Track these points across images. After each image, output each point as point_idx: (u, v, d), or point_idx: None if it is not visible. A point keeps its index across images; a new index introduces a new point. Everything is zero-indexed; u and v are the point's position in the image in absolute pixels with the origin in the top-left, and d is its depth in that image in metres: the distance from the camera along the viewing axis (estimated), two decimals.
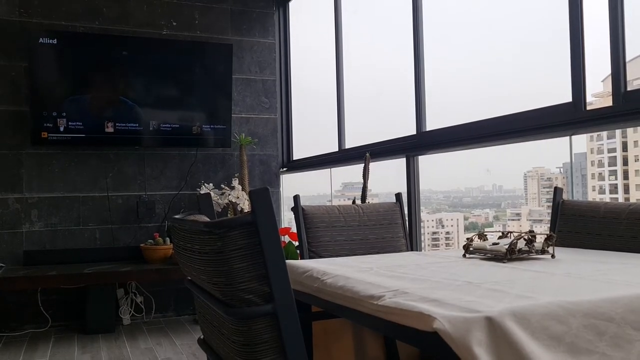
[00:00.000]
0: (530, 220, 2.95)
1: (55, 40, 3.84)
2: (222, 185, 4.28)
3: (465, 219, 3.42)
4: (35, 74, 3.83)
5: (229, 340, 1.12)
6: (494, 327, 0.92)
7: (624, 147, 2.49)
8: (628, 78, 2.06)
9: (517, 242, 1.63)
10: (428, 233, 3.44)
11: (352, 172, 4.03)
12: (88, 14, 4.13)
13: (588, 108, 2.19)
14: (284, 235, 4.02)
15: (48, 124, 3.83)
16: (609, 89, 2.10)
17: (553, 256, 1.64)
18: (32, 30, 3.87)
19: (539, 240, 1.68)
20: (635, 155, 2.43)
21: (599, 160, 2.54)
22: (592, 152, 2.59)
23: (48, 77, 3.87)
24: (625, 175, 2.46)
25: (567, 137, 2.43)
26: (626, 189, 2.45)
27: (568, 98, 2.25)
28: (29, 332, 3.84)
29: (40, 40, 3.81)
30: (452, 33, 3.21)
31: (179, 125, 4.17)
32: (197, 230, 1.09)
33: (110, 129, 3.99)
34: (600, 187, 2.55)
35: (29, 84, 3.86)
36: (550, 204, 2.18)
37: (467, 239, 1.80)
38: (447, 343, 0.92)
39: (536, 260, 1.60)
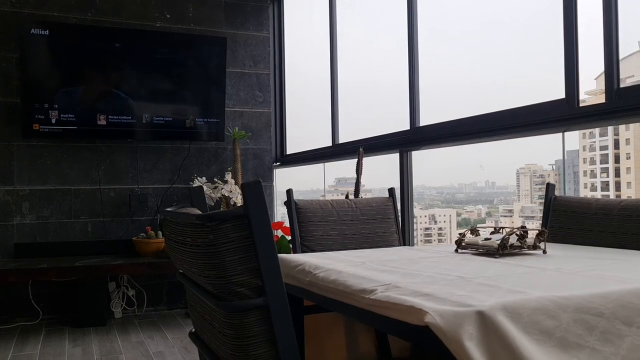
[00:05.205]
0: (522, 216, 2.96)
1: (47, 31, 3.81)
2: (215, 179, 4.27)
3: (458, 215, 3.43)
4: (27, 65, 3.79)
5: (220, 333, 1.12)
6: (485, 322, 0.92)
7: (616, 145, 2.50)
8: (621, 76, 2.07)
9: (509, 237, 1.64)
10: (421, 229, 3.45)
11: (345, 167, 4.03)
12: (81, 6, 4.10)
13: (581, 105, 2.20)
14: (276, 230, 4.01)
15: (40, 116, 3.80)
16: (602, 86, 2.10)
17: (545, 252, 1.65)
18: (24, 21, 3.83)
19: (531, 235, 1.69)
20: (627, 153, 2.45)
21: (590, 158, 2.55)
22: (584, 150, 2.60)
23: (40, 69, 3.83)
24: (617, 173, 2.47)
25: (560, 134, 2.44)
26: (617, 187, 2.46)
27: (561, 94, 2.26)
28: (19, 325, 3.82)
29: (32, 31, 3.77)
30: (447, 29, 3.21)
31: (172, 119, 4.15)
32: (189, 223, 1.09)
33: (102, 122, 3.96)
34: (592, 185, 2.56)
35: (20, 76, 3.83)
36: (542, 200, 2.19)
37: (460, 234, 1.80)
38: (438, 337, 0.92)
39: (528, 255, 1.61)
